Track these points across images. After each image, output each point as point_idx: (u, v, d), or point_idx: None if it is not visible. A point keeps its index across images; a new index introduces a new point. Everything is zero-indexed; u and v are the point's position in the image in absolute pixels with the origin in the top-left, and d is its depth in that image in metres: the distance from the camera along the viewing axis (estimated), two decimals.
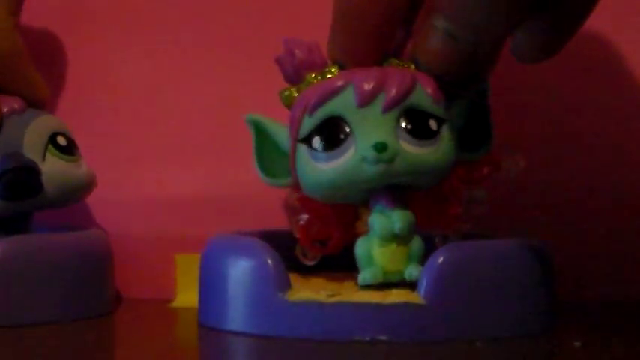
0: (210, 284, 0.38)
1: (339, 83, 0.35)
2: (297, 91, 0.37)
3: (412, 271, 0.35)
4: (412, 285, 0.35)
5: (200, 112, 0.49)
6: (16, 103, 0.43)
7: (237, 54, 0.48)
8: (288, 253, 0.37)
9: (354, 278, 0.37)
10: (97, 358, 0.35)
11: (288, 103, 0.37)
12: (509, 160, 0.38)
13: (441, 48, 0.34)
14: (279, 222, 0.47)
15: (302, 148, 0.36)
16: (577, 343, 0.34)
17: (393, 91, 0.34)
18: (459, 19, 0.34)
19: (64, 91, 0.50)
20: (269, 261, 0.35)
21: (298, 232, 0.38)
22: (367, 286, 0.35)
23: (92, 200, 0.46)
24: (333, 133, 0.35)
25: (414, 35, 0.35)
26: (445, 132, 0.35)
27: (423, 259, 0.35)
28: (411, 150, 0.34)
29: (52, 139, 0.43)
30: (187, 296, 0.46)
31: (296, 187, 0.37)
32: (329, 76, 0.36)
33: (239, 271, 0.36)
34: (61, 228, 0.45)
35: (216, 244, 0.38)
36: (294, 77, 0.37)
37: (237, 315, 0.36)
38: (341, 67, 0.36)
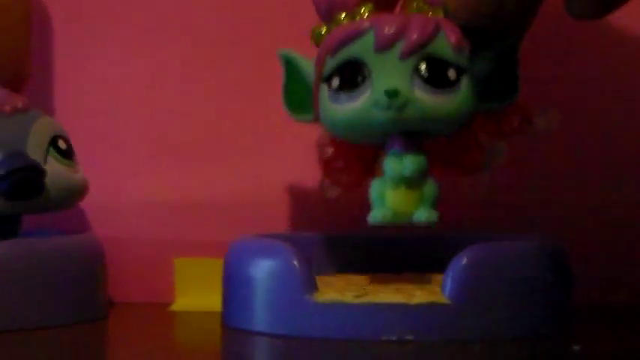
0: (235, 286, 0.38)
1: (362, 26, 0.35)
2: (328, 31, 0.37)
3: (421, 214, 0.35)
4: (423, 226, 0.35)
5: (198, 116, 0.48)
6: (19, 102, 0.42)
7: (237, 56, 0.48)
8: (308, 255, 0.38)
9: (375, 280, 0.37)
10: None
11: (318, 41, 0.37)
12: (542, 115, 0.38)
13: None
14: (278, 226, 0.48)
15: (324, 88, 0.36)
16: (576, 347, 0.34)
17: (413, 38, 0.35)
18: None
19: (60, 93, 0.49)
20: (296, 263, 0.36)
21: (322, 164, 0.39)
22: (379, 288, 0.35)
23: (90, 204, 0.46)
24: (351, 75, 0.35)
25: None
26: (464, 82, 0.35)
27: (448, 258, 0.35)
28: (425, 98, 0.35)
29: (54, 142, 0.42)
30: (186, 300, 0.46)
31: (318, 123, 0.38)
32: (358, 17, 0.36)
33: (265, 272, 0.36)
34: (53, 232, 0.44)
35: (241, 246, 0.39)
36: (326, 15, 0.37)
37: (263, 316, 0.36)
38: (374, 7, 0.36)
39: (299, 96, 0.38)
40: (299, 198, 0.48)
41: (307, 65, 0.38)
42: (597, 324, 0.40)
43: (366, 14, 0.36)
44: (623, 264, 0.46)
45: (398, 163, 0.36)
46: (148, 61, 0.49)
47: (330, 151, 0.39)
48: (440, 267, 0.36)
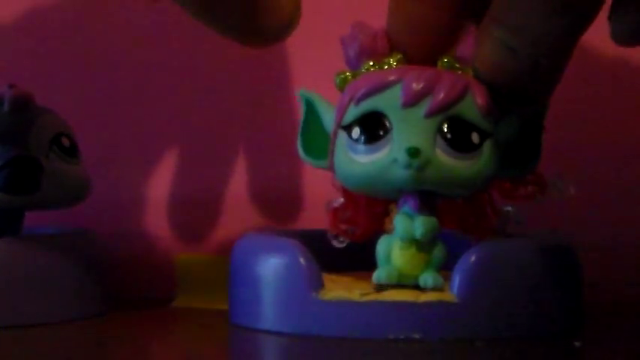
0: (242, 283, 0.37)
1: (389, 79, 0.35)
2: (353, 77, 0.36)
3: (427, 279, 0.35)
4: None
5: (201, 111, 0.48)
6: (23, 98, 0.42)
7: (243, 54, 0.48)
8: (314, 252, 0.37)
9: None
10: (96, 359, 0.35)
11: (342, 87, 0.36)
12: (557, 183, 0.37)
13: (499, 60, 0.33)
14: (282, 223, 0.48)
15: (342, 135, 0.35)
16: (577, 344, 0.34)
17: (440, 97, 0.34)
18: (517, 31, 0.32)
19: (63, 89, 0.49)
20: (302, 260, 0.35)
21: (329, 214, 0.38)
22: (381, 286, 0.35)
23: (92, 200, 0.45)
24: (372, 128, 0.35)
25: (475, 39, 0.34)
26: (487, 147, 0.34)
27: (449, 263, 0.35)
28: (446, 160, 0.34)
29: (57, 140, 0.42)
30: (188, 297, 0.46)
31: (331, 170, 0.37)
32: (386, 67, 0.36)
33: (271, 270, 0.36)
34: (54, 228, 0.44)
35: (248, 242, 0.38)
36: (355, 62, 0.36)
37: (269, 314, 0.36)
38: (405, 59, 0.35)
39: (315, 140, 0.37)
40: (304, 194, 0.48)
41: (326, 109, 0.37)
42: (607, 323, 0.40)
43: (395, 64, 0.35)
44: (634, 262, 0.46)
45: (409, 224, 0.35)
46: (151, 56, 0.49)
47: (339, 201, 0.38)
48: (448, 265, 0.35)
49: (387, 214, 0.37)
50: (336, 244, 0.38)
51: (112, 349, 0.37)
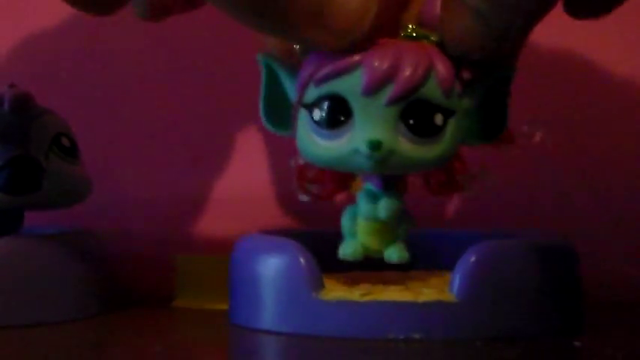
0: (242, 283, 0.37)
1: (350, 61, 0.33)
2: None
3: (392, 254, 0.35)
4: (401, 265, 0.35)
5: (201, 111, 0.48)
6: (24, 98, 0.42)
7: (240, 52, 0.48)
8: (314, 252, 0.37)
9: (380, 278, 0.37)
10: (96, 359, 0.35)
11: (303, 55, 0.35)
12: (484, 174, 0.37)
13: (470, 27, 0.31)
14: (281, 223, 0.48)
15: (304, 114, 0.34)
16: (577, 343, 0.34)
17: (402, 84, 0.33)
18: None
19: (63, 89, 0.49)
20: (302, 260, 0.35)
21: (295, 170, 0.38)
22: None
23: (92, 200, 0.45)
24: (334, 113, 0.34)
25: (441, 5, 0.33)
26: (450, 125, 0.33)
27: (449, 263, 0.35)
28: (409, 148, 0.33)
29: (57, 140, 0.42)
30: (188, 297, 0.46)
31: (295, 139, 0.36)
32: None
33: (271, 270, 0.36)
34: (54, 228, 0.44)
35: (248, 243, 0.38)
36: None
37: (269, 314, 0.36)
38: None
39: (277, 108, 0.36)
40: None
41: (289, 78, 0.35)
42: (607, 322, 0.40)
43: None
44: (633, 261, 0.46)
45: (372, 206, 0.35)
46: (153, 57, 0.49)
47: (301, 159, 0.37)
48: (448, 264, 0.35)
49: (353, 177, 0.37)
50: (301, 198, 0.38)
51: (111, 349, 0.37)
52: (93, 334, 0.39)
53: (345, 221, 0.36)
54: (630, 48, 0.47)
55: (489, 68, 0.34)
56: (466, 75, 0.34)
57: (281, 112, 0.36)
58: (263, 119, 0.36)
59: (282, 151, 0.47)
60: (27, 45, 0.50)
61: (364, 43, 0.33)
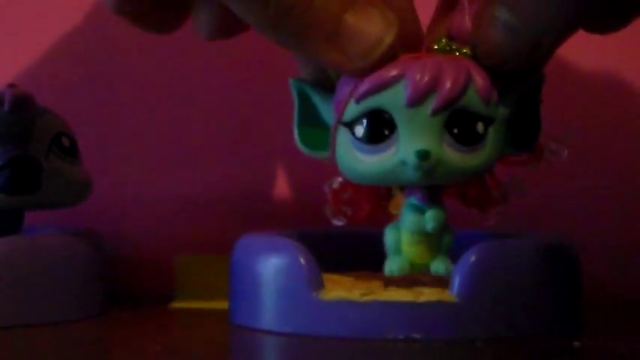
0: (242, 283, 0.37)
1: (391, 75, 0.34)
2: None
3: (439, 267, 0.35)
4: (438, 281, 0.35)
5: (201, 112, 0.48)
6: (26, 97, 0.42)
7: (242, 54, 0.48)
8: (314, 252, 0.37)
9: (380, 278, 0.37)
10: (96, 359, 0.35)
11: (336, 76, 0.36)
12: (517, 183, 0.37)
13: (501, 40, 0.33)
14: (281, 223, 0.48)
15: (344, 132, 0.35)
16: (577, 343, 0.34)
17: (446, 93, 0.33)
18: (520, 11, 0.32)
19: (63, 89, 0.49)
20: (302, 260, 0.35)
21: (330, 194, 0.38)
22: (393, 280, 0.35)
23: (92, 200, 0.45)
24: (377, 127, 0.34)
25: (473, 20, 0.34)
26: (491, 133, 0.34)
27: (454, 255, 0.35)
28: (454, 157, 0.34)
29: (57, 139, 0.42)
30: (188, 297, 0.46)
31: (333, 162, 0.36)
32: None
33: (272, 270, 0.36)
34: (54, 228, 0.44)
35: (248, 242, 0.38)
36: None
37: (269, 314, 0.36)
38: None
39: (312, 130, 0.36)
40: (305, 194, 0.47)
41: (321, 99, 0.36)
42: (607, 321, 0.40)
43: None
44: (633, 261, 0.46)
45: (419, 219, 0.35)
46: (154, 57, 0.49)
47: (338, 181, 0.37)
48: None
49: (389, 197, 0.37)
50: (335, 222, 0.38)
51: (112, 349, 0.37)
52: (93, 334, 0.39)
53: (388, 239, 0.36)
54: (630, 50, 0.47)
55: (521, 76, 0.35)
56: (500, 84, 0.35)
57: (316, 135, 0.36)
58: (299, 144, 0.37)
59: (282, 151, 0.47)
60: (27, 45, 0.50)
61: (381, 64, 0.33)
